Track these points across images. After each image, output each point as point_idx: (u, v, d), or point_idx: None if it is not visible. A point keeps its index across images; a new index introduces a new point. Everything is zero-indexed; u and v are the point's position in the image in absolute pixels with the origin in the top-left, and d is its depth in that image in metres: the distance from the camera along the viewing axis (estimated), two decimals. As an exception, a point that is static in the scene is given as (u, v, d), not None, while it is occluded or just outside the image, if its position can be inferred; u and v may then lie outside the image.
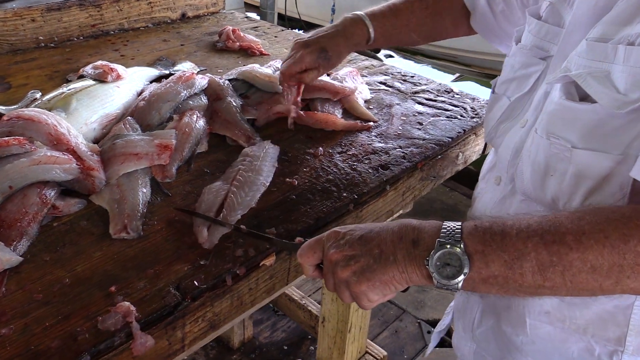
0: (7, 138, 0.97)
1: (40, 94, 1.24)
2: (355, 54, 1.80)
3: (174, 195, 1.03)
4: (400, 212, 1.39)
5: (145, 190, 1.01)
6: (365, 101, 1.42)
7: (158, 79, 1.42)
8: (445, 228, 0.73)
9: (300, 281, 2.80)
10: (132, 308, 0.77)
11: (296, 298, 2.30)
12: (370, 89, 1.50)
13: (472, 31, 1.27)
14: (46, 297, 0.80)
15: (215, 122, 1.23)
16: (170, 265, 0.87)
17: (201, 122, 1.19)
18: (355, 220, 1.06)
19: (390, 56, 5.71)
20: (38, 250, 0.88)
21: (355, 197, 1.06)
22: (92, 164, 1.00)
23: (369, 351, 2.02)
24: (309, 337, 2.41)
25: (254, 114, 1.28)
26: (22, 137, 0.98)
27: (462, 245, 0.70)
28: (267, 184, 1.05)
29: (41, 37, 1.67)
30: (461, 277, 0.70)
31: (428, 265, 0.72)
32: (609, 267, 0.65)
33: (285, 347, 2.38)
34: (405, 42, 1.29)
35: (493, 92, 1.04)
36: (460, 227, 0.73)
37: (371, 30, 1.23)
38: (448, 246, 0.71)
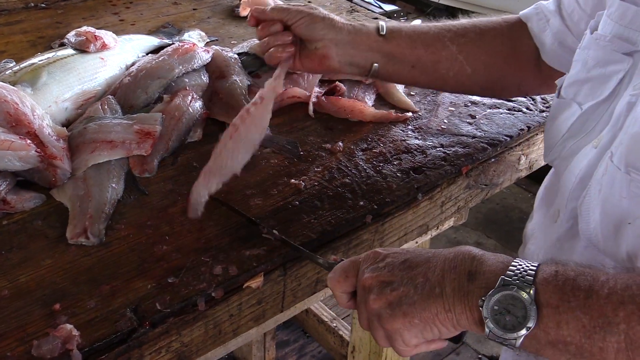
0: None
1: (14, 63, 1.24)
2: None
3: (151, 194, 1.01)
4: (450, 224, 1.33)
5: (116, 187, 0.99)
6: (406, 86, 1.37)
7: (158, 51, 1.40)
8: (515, 265, 0.69)
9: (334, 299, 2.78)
10: (75, 332, 0.75)
11: (326, 319, 2.28)
12: (415, 71, 1.44)
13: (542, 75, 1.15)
14: (-21, 312, 0.79)
15: (214, 106, 1.21)
16: (130, 281, 0.85)
17: (196, 105, 1.16)
18: (373, 236, 1.02)
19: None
20: (-22, 253, 0.88)
21: (375, 207, 1.01)
22: (55, 152, 0.99)
23: (409, 392, 1.98)
24: (341, 367, 2.38)
25: (264, 97, 1.25)
26: (-26, 116, 0.99)
27: (532, 292, 0.66)
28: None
29: (30, -4, 1.70)
30: (523, 332, 0.66)
31: (483, 307, 0.68)
32: None
33: (313, 378, 2.37)
34: (443, 65, 1.13)
35: (558, 95, 0.95)
36: (536, 268, 0.68)
37: (382, 24, 1.11)
38: (514, 288, 0.66)
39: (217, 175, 0.97)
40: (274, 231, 0.92)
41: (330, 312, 2.31)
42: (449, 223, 1.32)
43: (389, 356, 1.83)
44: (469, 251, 0.73)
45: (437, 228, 1.22)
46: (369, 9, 2.06)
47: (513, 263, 0.69)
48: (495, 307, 0.67)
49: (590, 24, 0.93)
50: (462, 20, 1.15)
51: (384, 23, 1.11)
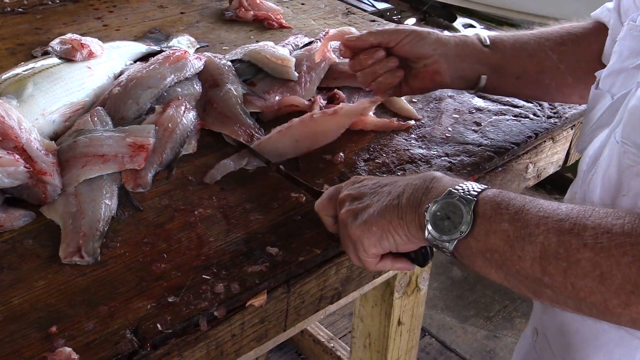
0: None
1: (-6, 74, 1.27)
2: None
3: (145, 210, 1.04)
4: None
5: (109, 203, 1.02)
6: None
7: (145, 58, 1.44)
8: (465, 184, 0.79)
9: (334, 317, 2.81)
10: (74, 356, 0.78)
11: (323, 339, 2.30)
12: (416, 76, 1.48)
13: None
14: (-29, 336, 0.81)
15: (209, 116, 1.24)
16: (129, 301, 0.87)
17: (190, 116, 1.20)
18: (378, 250, 1.05)
19: (471, 26, 5.65)
20: (-32, 275, 0.90)
21: (380, 220, 1.04)
22: (44, 167, 1.02)
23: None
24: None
25: (260, 105, 1.28)
26: (-41, 131, 1.01)
27: (472, 204, 0.75)
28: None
29: (7, 1, 1.73)
30: (456, 236, 0.76)
31: (426, 212, 0.79)
32: (622, 281, 0.64)
33: (307, 403, 2.39)
34: (547, 76, 1.19)
35: (597, 87, 1.01)
36: (484, 188, 0.78)
37: (484, 36, 1.17)
38: (456, 197, 0.77)
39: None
40: (281, 167, 1.10)
41: (327, 331, 2.33)
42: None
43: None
44: (432, 173, 0.85)
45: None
46: (361, 8, 2.10)
47: (465, 182, 0.79)
48: (438, 213, 0.77)
49: (631, 16, 0.96)
50: (555, 27, 1.21)
51: (484, 34, 1.16)
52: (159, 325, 0.84)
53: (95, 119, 1.14)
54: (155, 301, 0.87)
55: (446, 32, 1.18)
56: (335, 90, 1.34)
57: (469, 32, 1.63)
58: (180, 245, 0.97)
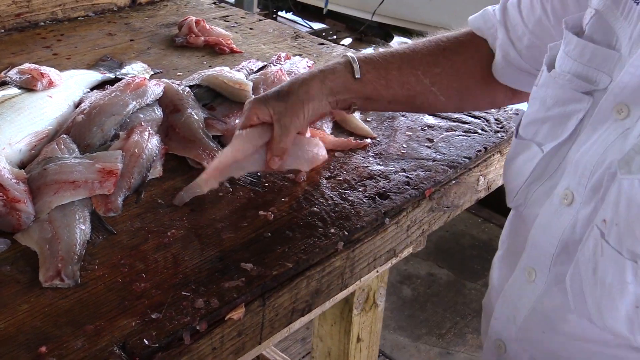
0: None
1: (-46, 105, 1.32)
2: (352, 50, 1.89)
3: (119, 233, 1.10)
4: (409, 250, 1.46)
5: (83, 227, 1.08)
6: (362, 113, 1.50)
7: (101, 85, 1.50)
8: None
9: (287, 342, 2.87)
10: (67, 373, 0.84)
11: (278, 364, 2.36)
12: (368, 96, 1.58)
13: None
14: (-40, 361, 0.86)
15: (172, 141, 1.31)
16: (114, 319, 0.93)
17: (154, 141, 1.26)
18: (344, 262, 1.13)
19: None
20: (-51, 303, 0.95)
21: (346, 233, 1.13)
22: (17, 195, 1.07)
23: None
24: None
25: (221, 129, 1.36)
26: None
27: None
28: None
29: (-48, 32, 1.77)
30: None
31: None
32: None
33: None
34: (418, 99, 1.25)
35: (516, 134, 1.03)
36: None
37: (356, 67, 1.19)
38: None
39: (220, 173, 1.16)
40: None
41: (284, 356, 2.39)
42: (409, 250, 1.46)
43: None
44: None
45: (406, 252, 1.35)
46: (297, 30, 2.20)
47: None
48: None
49: (545, 60, 1.00)
50: (432, 42, 1.25)
51: (356, 65, 1.19)
52: (145, 340, 0.90)
53: (62, 146, 1.20)
54: (139, 318, 0.93)
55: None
56: (293, 112, 1.43)
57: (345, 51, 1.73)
58: (157, 265, 1.04)
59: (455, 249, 3.58)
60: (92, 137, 1.25)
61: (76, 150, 1.21)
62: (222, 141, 1.35)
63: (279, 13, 6.46)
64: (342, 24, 6.13)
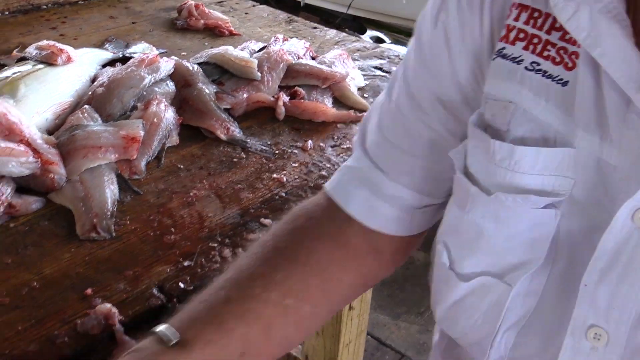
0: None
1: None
2: (344, 33, 1.99)
3: (145, 194, 1.19)
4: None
5: (112, 188, 1.16)
6: (359, 89, 1.61)
7: (111, 63, 1.58)
8: None
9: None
10: (114, 310, 0.92)
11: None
12: (364, 75, 1.68)
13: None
14: (14, 301, 0.94)
15: (186, 112, 1.40)
16: (150, 267, 1.02)
17: (170, 112, 1.35)
18: (353, 221, 1.23)
19: (381, 40, 5.94)
20: (-4, 253, 1.03)
21: (353, 194, 1.23)
22: (50, 158, 1.16)
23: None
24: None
25: (230, 102, 1.45)
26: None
27: None
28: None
29: (-40, 13, 1.83)
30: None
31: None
32: None
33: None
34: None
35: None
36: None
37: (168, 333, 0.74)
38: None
39: None
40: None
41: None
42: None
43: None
44: None
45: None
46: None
47: None
48: None
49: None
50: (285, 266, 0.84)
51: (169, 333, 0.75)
52: (181, 284, 0.99)
53: (87, 114, 1.28)
54: (173, 265, 1.03)
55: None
56: (296, 87, 1.53)
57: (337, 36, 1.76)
58: (184, 221, 1.13)
59: (432, 233, 3.68)
60: (113, 108, 1.33)
61: (99, 119, 1.29)
62: (231, 113, 1.44)
63: (267, 5, 6.50)
64: (316, 17, 6.21)
